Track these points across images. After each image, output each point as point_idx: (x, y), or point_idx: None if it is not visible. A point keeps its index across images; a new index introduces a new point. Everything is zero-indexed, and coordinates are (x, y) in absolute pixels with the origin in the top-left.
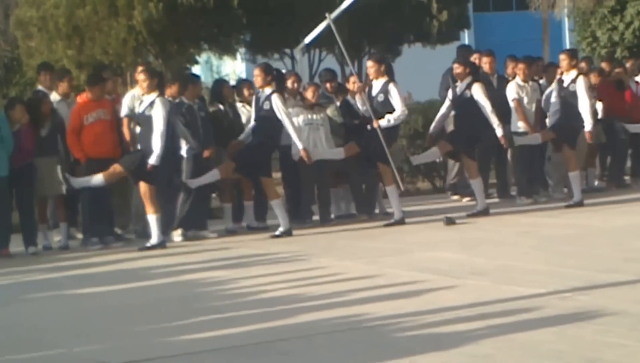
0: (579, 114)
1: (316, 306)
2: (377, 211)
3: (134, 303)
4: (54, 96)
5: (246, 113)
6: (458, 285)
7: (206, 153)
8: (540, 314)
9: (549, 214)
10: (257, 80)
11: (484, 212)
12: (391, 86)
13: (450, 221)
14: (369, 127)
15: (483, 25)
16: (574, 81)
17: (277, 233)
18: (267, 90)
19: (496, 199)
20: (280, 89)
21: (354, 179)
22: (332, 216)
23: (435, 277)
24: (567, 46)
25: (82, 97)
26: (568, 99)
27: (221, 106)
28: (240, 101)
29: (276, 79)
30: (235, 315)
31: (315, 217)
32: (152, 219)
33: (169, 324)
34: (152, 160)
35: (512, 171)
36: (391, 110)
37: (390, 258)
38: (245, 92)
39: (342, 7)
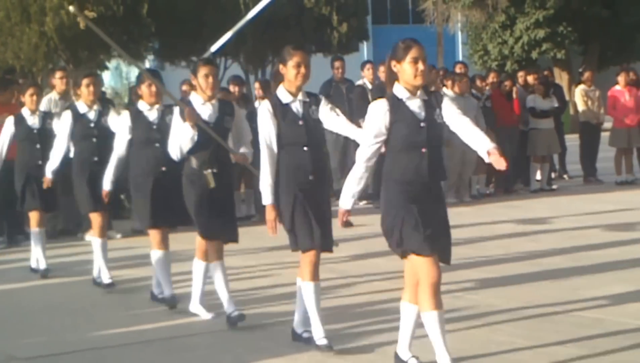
0: None
1: (217, 305)
2: None
3: (45, 300)
4: None
5: None
6: (352, 284)
7: None
8: None
9: None
10: None
11: None
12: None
13: (347, 224)
14: None
15: (381, 38)
16: None
17: None
18: None
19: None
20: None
21: (257, 182)
22: None
23: (331, 276)
24: (460, 58)
25: None
26: None
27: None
28: None
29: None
30: (143, 312)
31: None
32: None
33: (78, 320)
34: None
35: None
36: None
37: (290, 258)
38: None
39: (247, 17)
